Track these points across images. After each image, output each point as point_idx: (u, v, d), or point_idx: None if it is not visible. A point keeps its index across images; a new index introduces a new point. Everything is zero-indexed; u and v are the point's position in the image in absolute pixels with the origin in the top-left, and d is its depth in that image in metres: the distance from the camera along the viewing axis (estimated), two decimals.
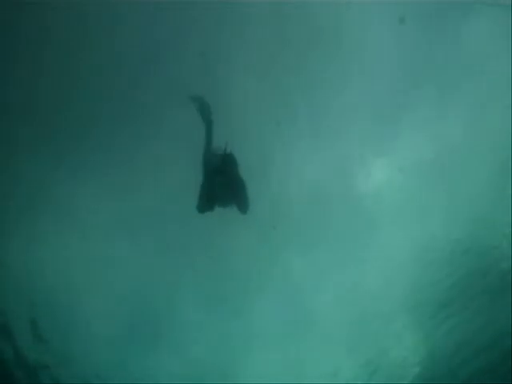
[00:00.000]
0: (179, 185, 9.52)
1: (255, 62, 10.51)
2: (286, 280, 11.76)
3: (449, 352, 10.15)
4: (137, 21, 9.96)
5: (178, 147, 10.43)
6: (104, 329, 11.51)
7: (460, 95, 10.25)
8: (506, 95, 9.74)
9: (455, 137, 10.23)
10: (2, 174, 9.91)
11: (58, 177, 10.39)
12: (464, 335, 10.02)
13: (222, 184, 5.67)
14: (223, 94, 9.57)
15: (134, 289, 11.85)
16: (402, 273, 10.82)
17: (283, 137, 10.94)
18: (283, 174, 11.27)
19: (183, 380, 11.79)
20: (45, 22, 9.61)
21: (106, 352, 11.38)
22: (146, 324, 12.02)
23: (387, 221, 11.06)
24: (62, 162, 10.39)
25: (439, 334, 10.43)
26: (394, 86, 10.61)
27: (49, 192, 10.39)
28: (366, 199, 11.31)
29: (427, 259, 10.64)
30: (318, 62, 10.58)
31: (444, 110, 10.36)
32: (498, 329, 9.56)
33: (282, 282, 11.78)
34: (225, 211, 6.15)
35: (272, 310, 11.82)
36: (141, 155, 10.85)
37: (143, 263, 11.62)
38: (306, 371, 11.69)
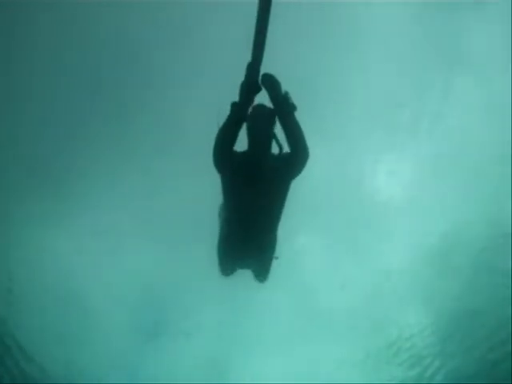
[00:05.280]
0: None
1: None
2: (296, 273, 11.76)
3: None
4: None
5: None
6: (104, 327, 11.50)
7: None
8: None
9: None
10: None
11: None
12: None
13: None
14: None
15: (136, 287, 11.83)
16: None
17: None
18: None
19: (185, 380, 11.79)
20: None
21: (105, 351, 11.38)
22: (148, 320, 12.01)
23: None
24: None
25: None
26: (397, 86, 10.66)
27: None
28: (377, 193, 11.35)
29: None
30: None
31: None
32: None
33: (292, 276, 11.73)
34: None
35: (281, 305, 11.88)
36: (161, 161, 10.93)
37: (149, 259, 11.63)
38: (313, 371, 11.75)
